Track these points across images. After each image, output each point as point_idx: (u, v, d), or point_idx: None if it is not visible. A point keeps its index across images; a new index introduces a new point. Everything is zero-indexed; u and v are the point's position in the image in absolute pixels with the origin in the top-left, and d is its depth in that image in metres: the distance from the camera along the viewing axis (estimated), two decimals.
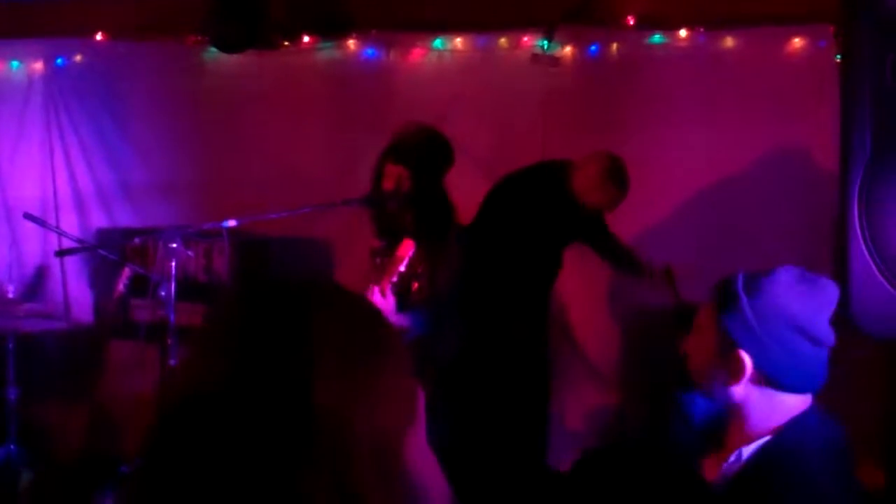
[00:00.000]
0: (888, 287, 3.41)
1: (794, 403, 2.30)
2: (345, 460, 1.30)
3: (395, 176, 4.64)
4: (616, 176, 5.32)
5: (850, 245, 3.45)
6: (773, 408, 2.29)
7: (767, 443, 2.29)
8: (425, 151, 4.72)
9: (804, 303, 2.27)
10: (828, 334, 2.29)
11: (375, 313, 1.47)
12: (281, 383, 1.31)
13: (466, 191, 5.12)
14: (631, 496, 2.00)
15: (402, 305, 4.32)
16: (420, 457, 1.76)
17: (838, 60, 5.49)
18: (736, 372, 2.27)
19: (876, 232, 3.41)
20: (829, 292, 2.30)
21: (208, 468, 1.28)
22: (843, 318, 3.61)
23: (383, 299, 4.12)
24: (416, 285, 4.55)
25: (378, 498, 1.32)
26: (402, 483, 1.41)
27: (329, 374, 1.32)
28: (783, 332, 2.25)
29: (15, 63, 7.04)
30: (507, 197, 5.42)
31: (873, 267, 3.41)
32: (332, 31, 6.56)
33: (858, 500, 2.26)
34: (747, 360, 2.26)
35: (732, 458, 2.32)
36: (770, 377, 2.27)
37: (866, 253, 3.41)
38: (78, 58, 6.99)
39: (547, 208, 5.34)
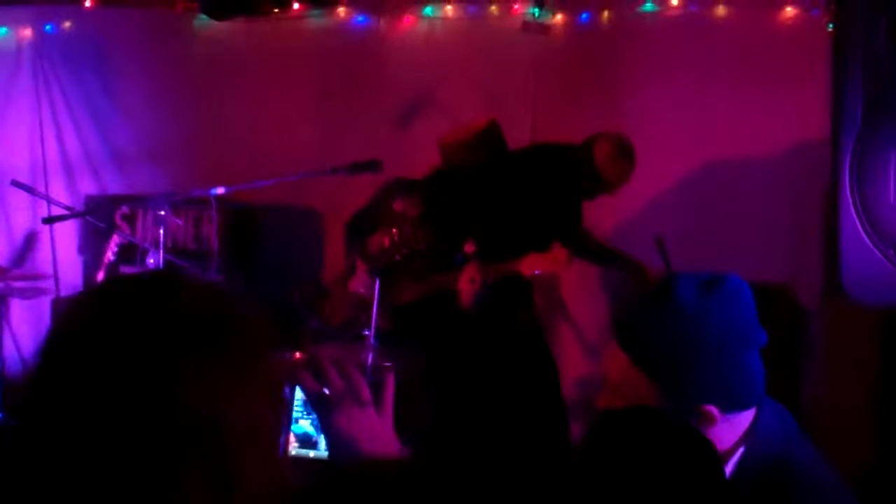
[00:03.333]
0: (879, 255, 3.40)
1: (747, 413, 2.17)
2: (215, 450, 1.28)
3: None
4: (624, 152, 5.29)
5: (841, 213, 3.44)
6: (734, 427, 2.15)
7: (742, 455, 2.16)
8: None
9: (736, 313, 2.10)
10: (761, 332, 2.14)
11: (232, 305, 1.44)
12: (135, 379, 1.28)
13: None
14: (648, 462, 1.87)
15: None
16: (368, 434, 1.75)
17: (831, 29, 5.48)
18: (706, 422, 2.10)
19: (867, 199, 3.40)
20: (745, 289, 2.13)
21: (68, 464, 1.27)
22: (838, 287, 3.61)
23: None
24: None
25: (255, 482, 1.31)
26: (280, 467, 1.40)
27: (190, 365, 1.30)
28: (735, 359, 2.09)
29: (3, 30, 6.98)
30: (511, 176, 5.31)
31: (864, 235, 3.40)
32: None
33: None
34: (714, 410, 2.10)
35: None
36: (735, 407, 2.14)
37: (857, 221, 3.41)
38: (67, 24, 6.94)
39: (550, 192, 5.25)
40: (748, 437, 2.16)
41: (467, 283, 4.75)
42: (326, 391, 1.82)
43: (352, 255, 5.11)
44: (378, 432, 1.76)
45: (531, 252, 4.76)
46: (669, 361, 2.07)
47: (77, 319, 1.37)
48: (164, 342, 1.31)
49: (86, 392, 1.28)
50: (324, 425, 1.83)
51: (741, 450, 2.16)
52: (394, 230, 4.76)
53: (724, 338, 2.06)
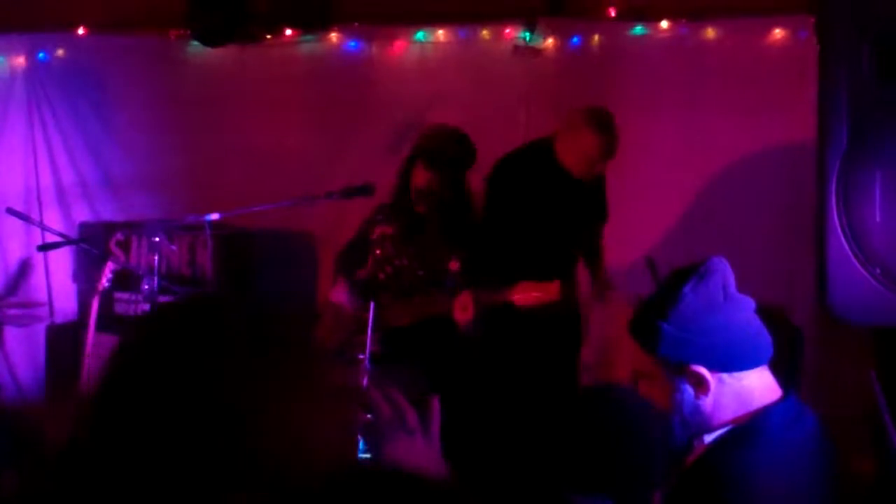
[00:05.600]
0: (865, 275, 3.43)
1: (756, 386, 2.32)
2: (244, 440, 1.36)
3: (427, 179, 4.83)
4: (595, 119, 5.01)
5: (827, 234, 3.47)
6: (739, 396, 2.31)
7: (725, 433, 2.31)
8: (457, 156, 4.91)
9: (704, 288, 2.31)
10: (740, 300, 2.35)
11: (270, 318, 1.51)
12: (180, 388, 1.37)
13: None
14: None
15: None
16: (418, 460, 1.76)
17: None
18: (700, 385, 2.30)
19: (853, 221, 3.43)
20: (717, 267, 2.36)
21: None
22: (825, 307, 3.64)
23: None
24: None
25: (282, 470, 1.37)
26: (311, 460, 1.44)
27: (229, 374, 1.39)
28: (707, 323, 2.29)
29: None
30: (503, 181, 5.26)
31: (850, 255, 3.43)
32: (314, 23, 6.56)
33: (813, 495, 2.28)
34: (702, 370, 2.28)
35: (696, 444, 2.35)
36: (723, 367, 2.29)
37: (843, 242, 3.43)
38: (60, 52, 6.98)
39: (542, 185, 5.16)
40: (747, 419, 2.30)
41: (459, 312, 4.74)
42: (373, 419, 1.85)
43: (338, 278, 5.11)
44: (428, 458, 1.78)
45: (522, 280, 4.68)
46: (655, 335, 2.31)
47: (132, 339, 1.49)
48: (206, 354, 1.40)
49: (141, 399, 1.39)
50: (374, 454, 1.84)
51: (729, 427, 2.31)
52: (377, 251, 4.80)
53: (695, 308, 2.28)
